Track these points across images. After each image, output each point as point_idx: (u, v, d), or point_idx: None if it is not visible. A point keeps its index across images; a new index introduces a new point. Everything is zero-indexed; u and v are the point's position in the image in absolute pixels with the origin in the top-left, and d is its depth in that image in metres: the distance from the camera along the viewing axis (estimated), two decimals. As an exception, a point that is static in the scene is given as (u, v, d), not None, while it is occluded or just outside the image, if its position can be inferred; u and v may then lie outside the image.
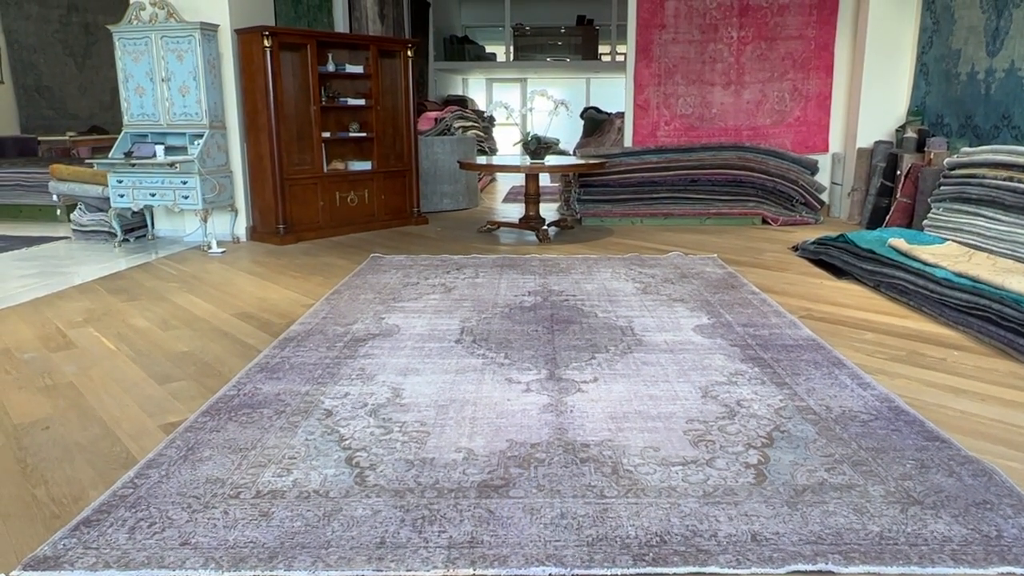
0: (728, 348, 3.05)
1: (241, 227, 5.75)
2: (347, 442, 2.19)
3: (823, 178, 6.76)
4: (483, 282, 4.27)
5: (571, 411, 2.40)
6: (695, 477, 1.97)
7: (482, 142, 10.04)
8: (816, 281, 4.28)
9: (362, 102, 6.08)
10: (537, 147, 5.67)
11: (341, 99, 6.03)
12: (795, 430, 2.25)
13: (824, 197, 6.70)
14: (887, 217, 5.66)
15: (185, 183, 5.23)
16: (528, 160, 5.75)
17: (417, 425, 2.31)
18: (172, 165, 5.18)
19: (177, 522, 1.77)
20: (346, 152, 6.21)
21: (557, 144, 15.08)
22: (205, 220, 5.34)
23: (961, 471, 1.98)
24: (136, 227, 5.80)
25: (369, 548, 1.66)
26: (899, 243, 4.12)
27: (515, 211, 7.07)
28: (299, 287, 4.21)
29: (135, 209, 5.48)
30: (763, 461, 2.05)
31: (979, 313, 3.18)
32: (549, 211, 7.11)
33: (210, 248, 5.24)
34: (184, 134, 5.41)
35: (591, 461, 2.06)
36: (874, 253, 4.13)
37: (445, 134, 8.18)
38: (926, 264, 3.76)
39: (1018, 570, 1.56)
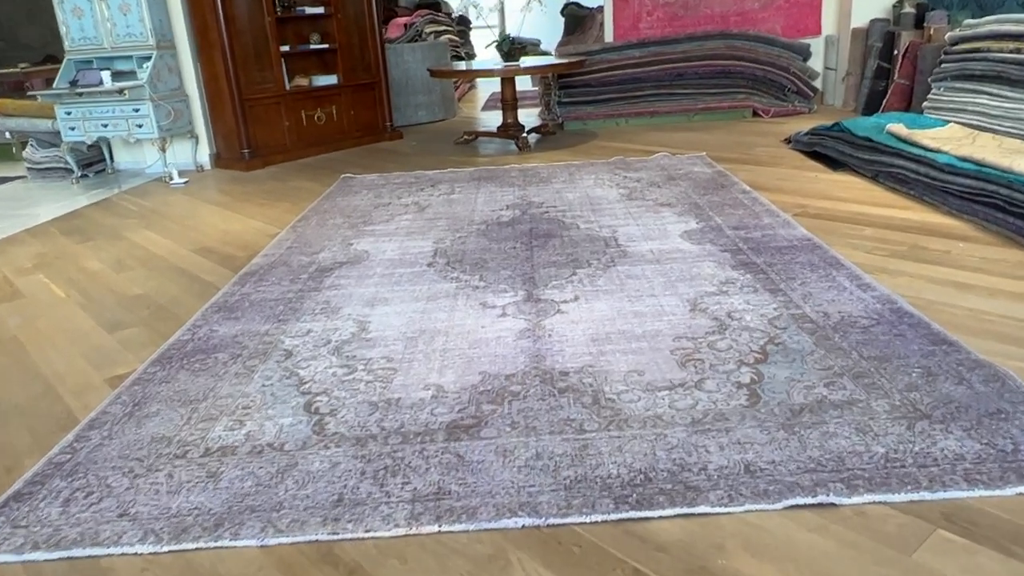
0: (718, 254, 2.85)
1: (204, 154, 5.45)
2: (307, 386, 2.02)
3: (816, 63, 6.39)
4: (459, 198, 4.03)
5: (549, 336, 2.23)
6: (683, 403, 1.80)
7: (457, 47, 9.53)
8: (811, 175, 4.04)
9: (321, 10, 5.65)
10: (511, 48, 5.30)
11: (298, 8, 5.60)
12: (791, 342, 2.08)
13: (817, 84, 6.36)
14: (884, 101, 5.36)
15: (137, 111, 4.90)
16: (502, 63, 5.38)
17: (383, 362, 2.13)
18: (121, 92, 4.84)
19: (116, 490, 1.61)
20: (309, 67, 5.82)
21: (538, 45, 14.44)
22: (163, 150, 5.04)
23: (972, 377, 1.82)
24: (94, 161, 5.50)
25: (325, 508, 1.50)
26: (898, 128, 3.86)
27: (496, 119, 6.72)
28: (265, 215, 3.98)
29: (89, 142, 5.16)
30: (756, 380, 1.89)
31: (985, 199, 2.97)
32: (531, 116, 6.79)
33: (171, 179, 4.96)
34: (131, 57, 5.03)
35: (570, 391, 1.89)
36: (871, 141, 3.88)
37: (416, 40, 7.71)
38: (927, 150, 3.51)
39: (1038, 489, 1.42)
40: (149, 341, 2.43)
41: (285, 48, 5.48)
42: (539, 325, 2.31)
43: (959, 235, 2.90)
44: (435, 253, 3.10)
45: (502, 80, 5.51)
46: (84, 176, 5.32)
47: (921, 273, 2.55)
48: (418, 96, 6.95)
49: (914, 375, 1.86)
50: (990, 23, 4.08)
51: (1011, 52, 3.83)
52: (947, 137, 3.69)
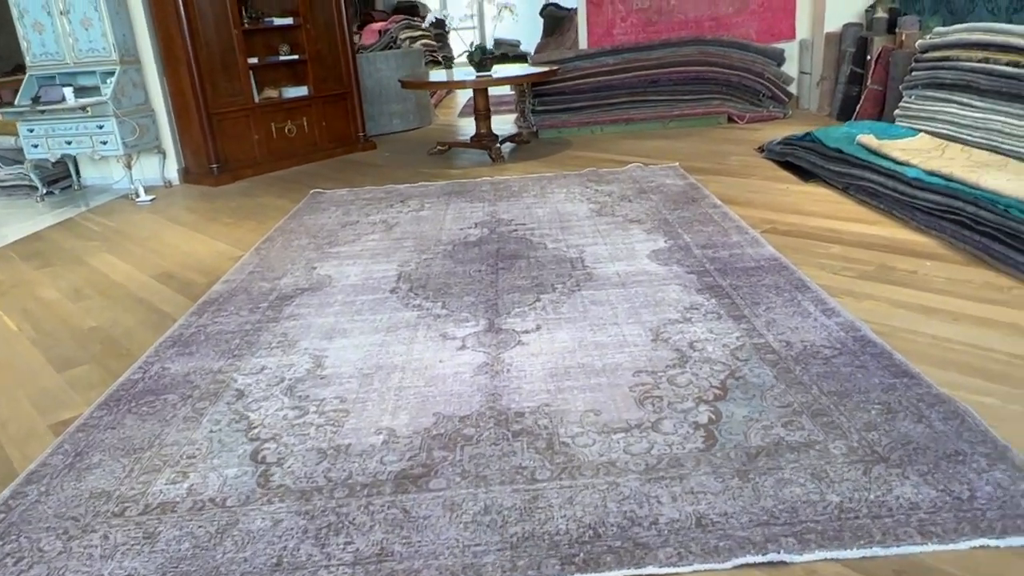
0: (684, 276, 2.81)
1: (172, 170, 5.35)
2: (256, 431, 1.96)
3: (791, 68, 6.38)
4: (428, 215, 3.97)
5: (508, 371, 2.18)
6: (638, 446, 1.76)
7: (433, 52, 9.47)
8: (782, 187, 4.01)
9: (290, 21, 5.57)
10: (482, 58, 5.24)
11: (266, 19, 5.52)
12: (751, 375, 2.05)
13: (792, 89, 6.34)
14: (857, 107, 5.35)
15: (101, 127, 4.81)
16: (474, 74, 5.32)
17: (336, 402, 2.08)
18: (84, 109, 4.74)
19: (48, 555, 1.55)
20: (279, 78, 5.74)
21: (518, 46, 14.40)
22: (129, 166, 4.95)
23: (931, 415, 1.79)
24: (60, 177, 5.40)
25: (263, 573, 1.45)
26: (868, 140, 3.83)
27: (473, 126, 6.66)
28: (230, 236, 3.90)
29: (53, 160, 5.06)
30: (714, 419, 1.85)
31: (952, 217, 2.94)
32: (508, 123, 6.75)
33: (138, 196, 4.87)
34: (94, 72, 4.94)
35: (524, 434, 1.85)
36: (842, 152, 3.85)
37: (391, 47, 7.65)
38: (896, 163, 3.49)
39: (992, 541, 1.38)
40: (99, 380, 2.36)
41: (253, 60, 5.40)
42: (498, 359, 2.26)
43: (927, 253, 2.88)
44: (399, 277, 3.04)
45: (474, 91, 5.45)
46: (50, 193, 5.22)
47: (887, 296, 2.52)
48: (392, 105, 6.88)
49: (873, 412, 1.82)
50: (959, 31, 4.06)
51: (979, 61, 3.81)
52: (917, 148, 3.67)
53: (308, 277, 3.14)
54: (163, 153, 5.26)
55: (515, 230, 3.58)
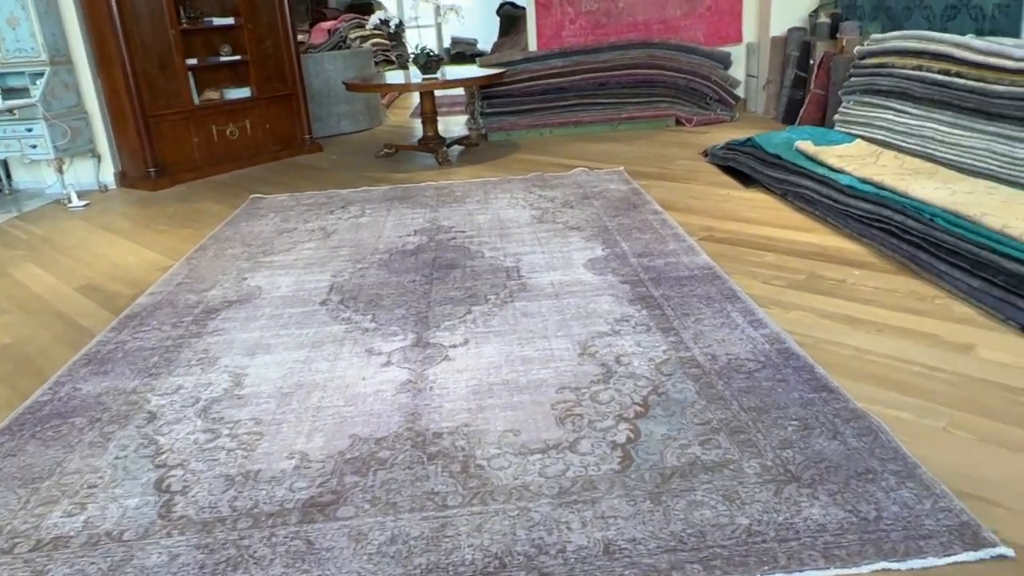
0: (618, 286, 2.80)
1: (109, 174, 5.20)
2: (163, 456, 1.89)
3: (738, 71, 6.43)
4: (367, 222, 3.91)
5: (431, 388, 2.14)
6: (554, 468, 1.73)
7: (386, 52, 9.37)
8: (723, 192, 4.03)
9: (231, 20, 5.45)
10: (427, 60, 5.18)
11: (206, 19, 5.38)
12: (674, 391, 2.03)
13: (740, 92, 6.40)
14: (801, 111, 5.40)
15: (30, 130, 4.64)
16: (420, 76, 5.26)
17: (251, 424, 2.01)
18: (11, 111, 4.57)
19: (-74, 598, 1.47)
20: (221, 79, 5.61)
21: (475, 44, 14.33)
22: (61, 171, 4.79)
23: (846, 431, 1.79)
24: (-11, 182, 5.20)
25: (151, 614, 1.39)
26: (806, 146, 3.87)
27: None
28: (162, 244, 3.79)
29: (-20, 163, 4.88)
30: (632, 438, 1.83)
31: (881, 225, 2.98)
32: (460, 124, 6.70)
33: (70, 202, 4.71)
34: (23, 73, 4.76)
35: (441, 457, 1.81)
36: (780, 159, 3.88)
37: (340, 47, 7.53)
38: (832, 169, 3.52)
39: (894, 564, 1.38)
40: (5, 403, 2.26)
41: (193, 61, 5.26)
42: (422, 376, 2.21)
43: (856, 261, 2.90)
44: (331, 289, 2.98)
45: (420, 94, 5.39)
46: (-22, 198, 5.03)
47: (814, 306, 2.54)
48: (341, 106, 6.78)
49: (790, 429, 1.82)
50: (895, 39, 4.12)
51: (913, 69, 3.87)
52: (852, 155, 3.71)
53: (237, 288, 3.06)
54: (98, 157, 5.11)
55: (454, 238, 3.53)
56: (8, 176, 5.27)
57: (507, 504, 1.62)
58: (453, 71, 5.94)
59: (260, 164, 5.64)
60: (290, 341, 2.52)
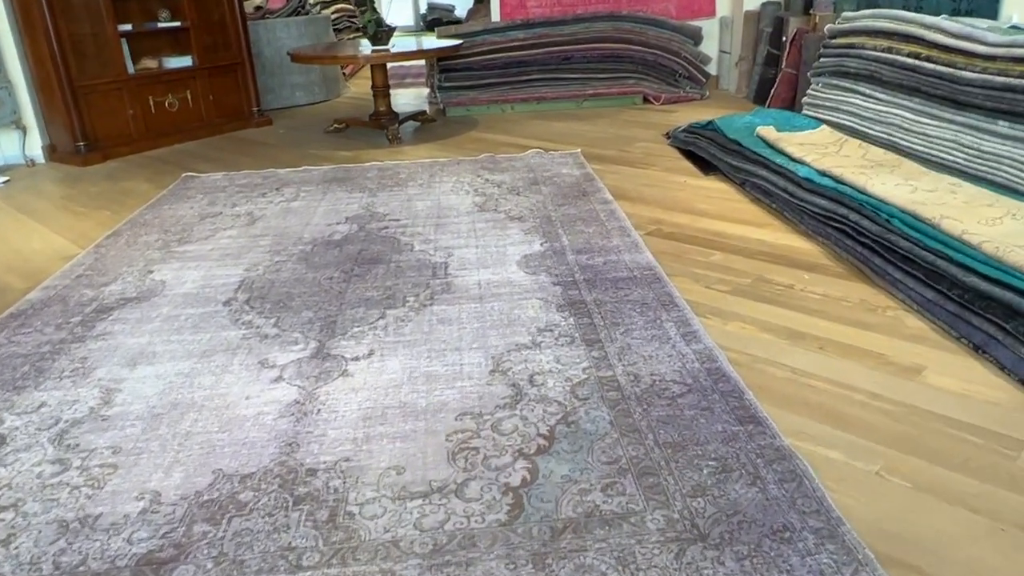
0: (549, 288, 2.57)
1: (36, 147, 4.88)
2: (-2, 494, 1.66)
3: (711, 47, 6.16)
4: (299, 207, 3.65)
5: (318, 412, 1.91)
6: (432, 518, 1.52)
7: (352, 19, 8.98)
8: (679, 180, 3.79)
9: (169, -16, 5.10)
10: (377, 31, 4.87)
11: (142, -18, 5.03)
12: (586, 419, 1.82)
13: (712, 68, 6.13)
14: (772, 90, 5.16)
15: (-56, 101, 4.32)
16: (368, 48, 4.95)
17: (107, 454, 1.78)
18: (-81, 80, 4.24)
19: None
20: (160, 47, 5.27)
21: (452, 11, 13.90)
22: (-22, 144, 4.47)
23: (768, 475, 1.59)
24: (-92, 154, 4.87)
25: None
26: (767, 132, 3.63)
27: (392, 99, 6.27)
28: (74, 229, 3.52)
29: None
30: (528, 479, 1.61)
31: (836, 224, 2.76)
32: (422, 97, 6.41)
33: (-11, 178, 4.41)
34: (-63, 38, 4.42)
35: (309, 501, 1.59)
36: (740, 145, 3.65)
37: (299, 13, 7.17)
38: (791, 159, 3.30)
39: (798, 656, 1.18)
40: None
41: (127, 27, 4.93)
42: (312, 396, 1.99)
43: (808, 264, 2.69)
44: (240, 286, 2.73)
45: (372, 66, 5.09)
46: None
47: (756, 316, 2.32)
48: (295, 76, 6.45)
49: (706, 471, 1.61)
50: (866, 18, 3.87)
51: (883, 51, 3.63)
52: (815, 143, 3.48)
53: (140, 283, 2.80)
54: (23, 129, 4.78)
55: (386, 227, 3.29)
56: (-71, 148, 4.93)
57: (369, 566, 1.40)
58: (407, 42, 5.63)
59: (202, 138, 5.33)
60: (179, 349, 2.28)
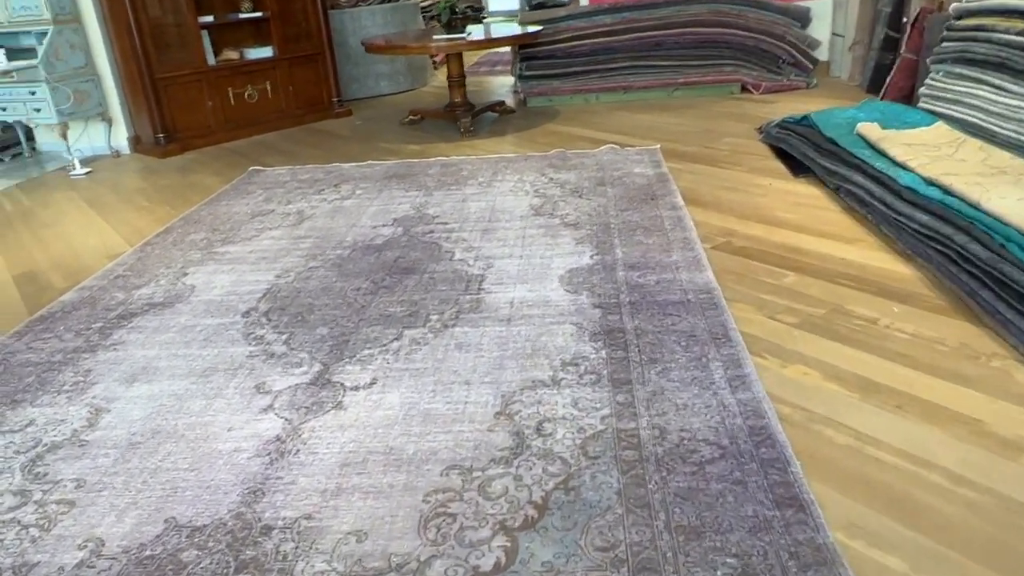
0: (587, 312, 2.28)
1: (122, 139, 5.00)
2: (-50, 528, 1.56)
3: (822, 29, 5.57)
4: (350, 205, 3.50)
5: (296, 452, 1.72)
6: (380, 606, 1.29)
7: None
8: (763, 183, 3.37)
9: (252, -26, 5.09)
10: (451, 18, 4.66)
11: (225, -27, 5.04)
12: (590, 486, 1.53)
13: (823, 54, 5.56)
14: (889, 78, 4.57)
15: (33, 94, 4.46)
16: (445, 36, 4.75)
17: (70, 487, 1.66)
18: (7, 74, 4.38)
19: None
20: (242, 38, 5.29)
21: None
22: (64, 136, 4.61)
23: (799, 585, 1.26)
24: (10, 144, 5.11)
25: None
26: (869, 130, 3.16)
27: (482, 86, 6.09)
28: (132, 225, 3.52)
29: (-9, 127, 4.76)
30: (502, 564, 1.35)
31: (939, 247, 2.31)
32: (507, 87, 6.19)
33: (74, 169, 4.53)
34: (30, 32, 4.57)
35: (252, 568, 1.39)
36: (836, 144, 3.19)
37: (386, 1, 7.06)
38: (894, 163, 2.83)
39: None
40: None
41: (208, 19, 4.95)
42: (296, 432, 1.80)
43: (901, 292, 2.26)
44: (265, 294, 2.60)
45: (447, 55, 4.88)
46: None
47: (823, 359, 1.94)
48: (380, 65, 6.36)
49: (720, 573, 1.30)
50: (1000, -6, 3.29)
51: (1018, 34, 3.06)
52: (925, 143, 2.99)
53: (170, 288, 2.72)
54: (110, 121, 4.90)
55: (432, 231, 3.08)
56: (29, 139, 5.15)
57: (290, 665, 1.19)
58: (501, 28, 5.39)
59: (281, 129, 5.32)
60: (181, 366, 2.15)
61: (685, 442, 1.64)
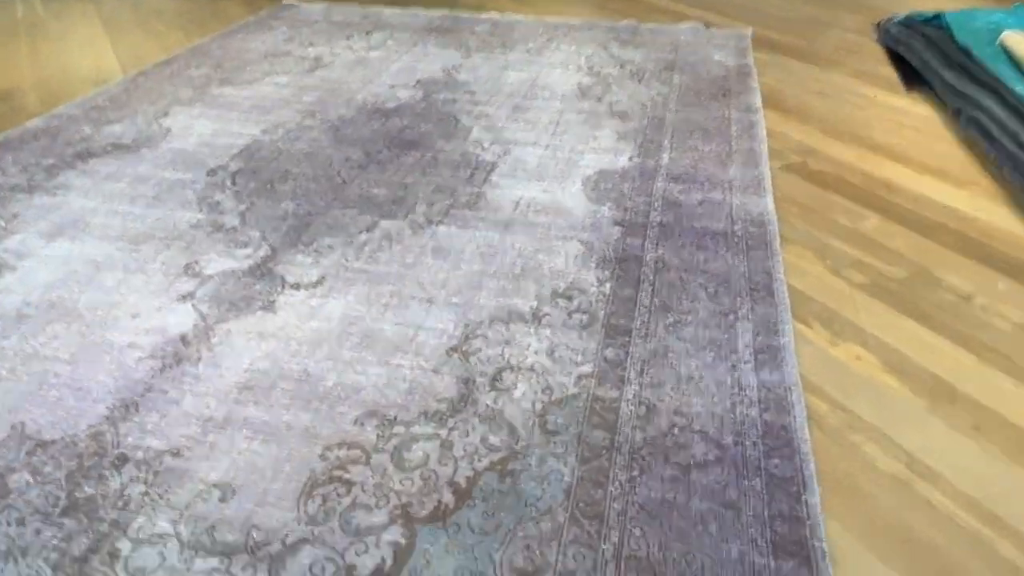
0: (604, 229, 1.84)
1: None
2: None
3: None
4: (375, 57, 3.04)
5: (196, 360, 1.40)
6: (211, 602, 0.98)
7: None
8: (867, 93, 2.75)
9: None
10: None
11: None
12: (534, 472, 1.17)
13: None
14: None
15: None
16: None
17: (-72, 362, 1.39)
18: None
19: None
20: None
21: None
22: (94, -60, 4.17)
23: None
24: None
25: None
26: (1018, 41, 2.47)
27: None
28: (136, 50, 3.15)
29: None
30: (383, 571, 1.02)
31: (1080, 210, 1.75)
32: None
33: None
34: None
35: (79, 513, 1.10)
36: (969, 56, 2.53)
37: None
38: (1041, 88, 2.19)
39: None
40: None
41: None
42: (206, 333, 1.47)
43: (1014, 264, 1.74)
44: (242, 151, 2.23)
45: None
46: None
47: (888, 341, 1.48)
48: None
49: (669, 644, 0.93)
50: None
51: None
52: (1089, 68, 2.31)
53: (144, 128, 2.38)
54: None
55: (454, 100, 2.62)
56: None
57: (68, 670, 0.90)
58: None
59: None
60: (115, 225, 1.83)
61: (676, 431, 1.25)
